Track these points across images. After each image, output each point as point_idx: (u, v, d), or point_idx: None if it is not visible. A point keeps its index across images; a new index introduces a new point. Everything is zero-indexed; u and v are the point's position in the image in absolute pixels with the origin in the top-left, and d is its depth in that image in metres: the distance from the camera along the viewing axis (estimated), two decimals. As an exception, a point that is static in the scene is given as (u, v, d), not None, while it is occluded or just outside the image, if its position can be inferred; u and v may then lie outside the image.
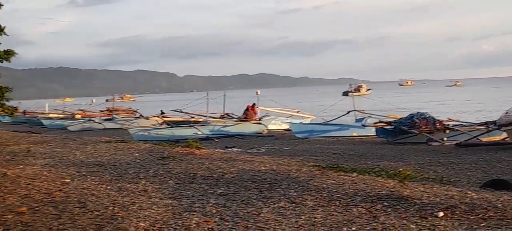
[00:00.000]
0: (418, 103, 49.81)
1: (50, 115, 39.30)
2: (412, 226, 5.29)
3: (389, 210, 5.90)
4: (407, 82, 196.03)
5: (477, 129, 17.19)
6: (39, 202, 6.71)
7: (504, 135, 15.28)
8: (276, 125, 26.02)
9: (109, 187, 7.68)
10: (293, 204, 6.32)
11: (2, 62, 9.97)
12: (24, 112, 40.81)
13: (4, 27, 9.67)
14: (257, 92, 29.66)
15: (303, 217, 5.77)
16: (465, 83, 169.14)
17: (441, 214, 5.60)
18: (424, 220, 5.46)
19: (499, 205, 5.78)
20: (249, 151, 15.58)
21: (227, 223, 5.62)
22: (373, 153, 13.95)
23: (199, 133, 21.27)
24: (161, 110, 30.56)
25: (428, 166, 10.94)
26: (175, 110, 26.65)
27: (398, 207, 5.99)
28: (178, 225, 5.57)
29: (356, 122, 21.90)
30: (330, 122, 22.35)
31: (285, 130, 23.78)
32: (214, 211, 6.15)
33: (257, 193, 7.05)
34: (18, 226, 5.60)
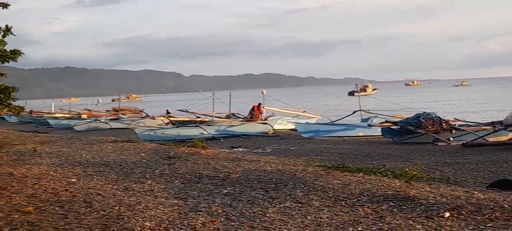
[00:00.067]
0: (424, 103, 49.72)
1: (57, 115, 39.51)
2: (418, 226, 5.28)
3: (395, 210, 5.89)
4: (413, 82, 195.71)
5: (484, 129, 17.11)
6: (45, 201, 6.72)
7: (511, 134, 15.21)
8: (282, 124, 25.97)
9: (115, 187, 7.69)
10: (299, 204, 6.32)
11: (8, 62, 9.98)
12: (31, 112, 41.03)
13: (11, 27, 9.67)
14: (262, 92, 29.68)
15: (309, 217, 5.76)
16: (471, 83, 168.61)
17: (447, 214, 5.59)
18: (430, 220, 5.45)
19: (506, 206, 5.76)
20: (254, 150, 15.58)
21: (233, 223, 5.62)
22: (379, 153, 13.92)
23: (205, 132, 21.28)
24: (167, 110, 30.60)
25: (434, 166, 10.92)
26: (181, 110, 26.74)
27: (404, 207, 5.98)
28: (184, 225, 5.56)
29: (362, 121, 21.83)
30: (336, 122, 22.30)
31: (291, 129, 23.78)
32: (220, 211, 6.15)
33: (263, 193, 7.04)
34: (24, 226, 5.61)
